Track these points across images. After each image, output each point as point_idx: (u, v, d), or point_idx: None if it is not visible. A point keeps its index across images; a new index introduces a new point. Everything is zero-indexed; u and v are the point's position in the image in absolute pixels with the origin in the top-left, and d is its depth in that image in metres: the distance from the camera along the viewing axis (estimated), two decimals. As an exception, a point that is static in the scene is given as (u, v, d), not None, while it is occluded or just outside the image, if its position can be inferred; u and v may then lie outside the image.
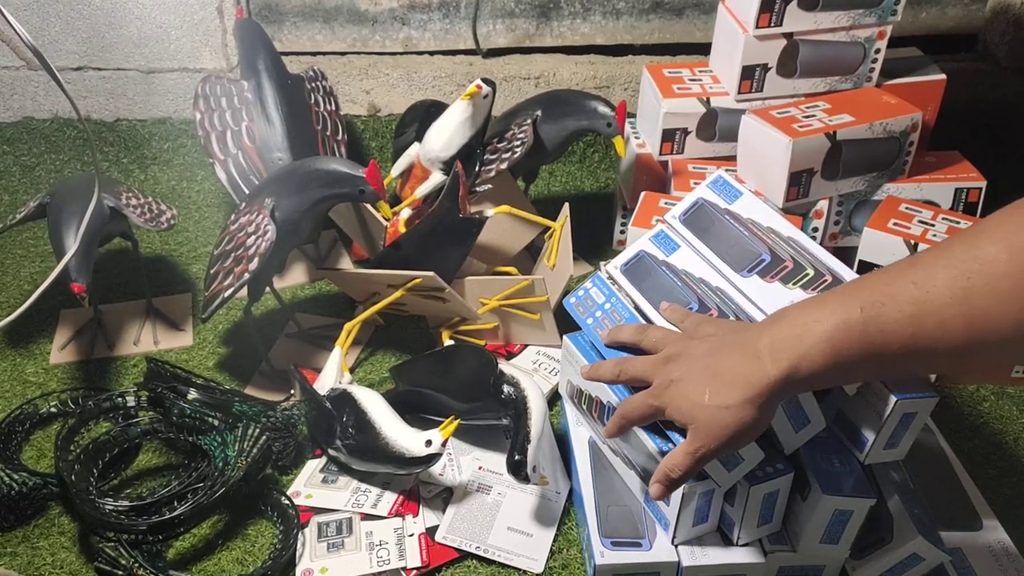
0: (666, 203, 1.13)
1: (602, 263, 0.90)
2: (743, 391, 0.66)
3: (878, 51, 1.17)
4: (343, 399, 0.93)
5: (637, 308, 0.84)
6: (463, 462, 0.95)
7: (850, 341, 0.64)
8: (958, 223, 1.06)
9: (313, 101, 1.22)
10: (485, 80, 1.09)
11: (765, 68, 1.16)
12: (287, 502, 0.89)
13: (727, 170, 1.19)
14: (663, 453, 0.78)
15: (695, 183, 1.18)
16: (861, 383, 0.76)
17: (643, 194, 1.15)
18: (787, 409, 0.78)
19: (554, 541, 0.88)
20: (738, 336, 0.70)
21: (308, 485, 0.93)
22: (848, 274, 0.78)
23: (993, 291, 0.60)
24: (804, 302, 0.69)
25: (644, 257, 0.87)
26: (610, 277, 0.88)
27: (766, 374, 0.66)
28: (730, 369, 0.67)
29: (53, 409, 1.01)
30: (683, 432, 0.72)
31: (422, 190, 1.15)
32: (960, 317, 0.61)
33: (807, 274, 0.79)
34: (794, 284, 0.79)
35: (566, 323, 1.01)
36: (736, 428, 0.67)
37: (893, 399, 0.74)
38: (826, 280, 0.78)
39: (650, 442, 0.79)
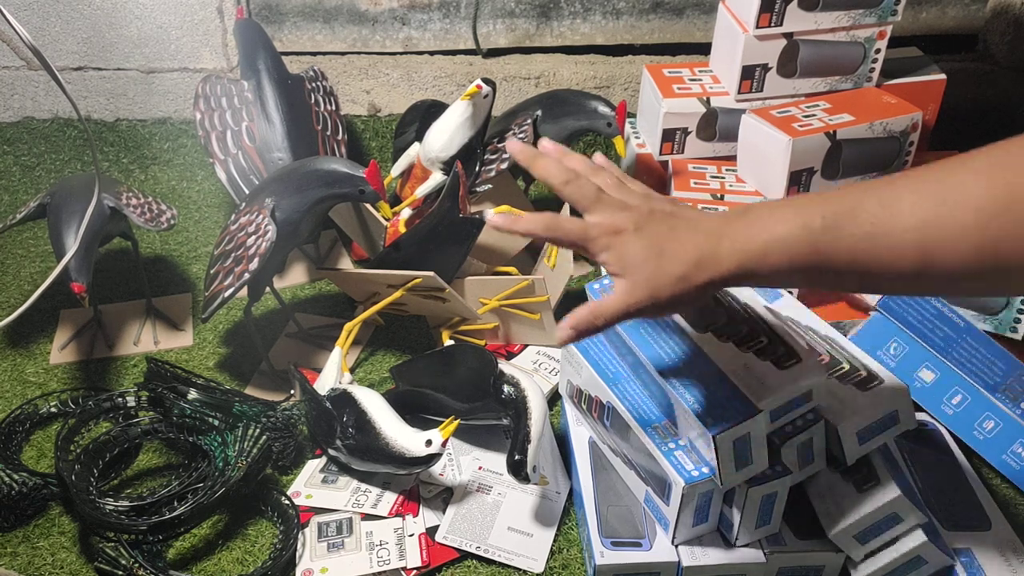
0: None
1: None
2: (696, 269, 0.66)
3: (878, 51, 1.17)
4: (343, 399, 0.93)
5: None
6: (463, 462, 0.95)
7: (805, 248, 0.63)
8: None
9: (313, 101, 1.22)
10: (485, 80, 1.08)
11: (765, 68, 1.16)
12: (287, 502, 0.89)
13: (728, 170, 1.20)
14: (663, 453, 0.79)
15: (695, 183, 1.18)
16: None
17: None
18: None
19: (554, 541, 0.88)
20: (700, 217, 0.69)
21: (308, 485, 0.93)
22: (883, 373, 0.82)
23: (957, 222, 0.58)
24: (773, 201, 0.69)
25: None
26: None
27: (720, 261, 0.66)
28: (688, 242, 0.67)
29: (53, 409, 1.01)
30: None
31: (422, 190, 1.15)
32: (915, 244, 0.59)
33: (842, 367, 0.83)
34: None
35: (566, 323, 1.01)
36: (675, 298, 0.67)
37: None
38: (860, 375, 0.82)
39: (650, 442, 0.79)
